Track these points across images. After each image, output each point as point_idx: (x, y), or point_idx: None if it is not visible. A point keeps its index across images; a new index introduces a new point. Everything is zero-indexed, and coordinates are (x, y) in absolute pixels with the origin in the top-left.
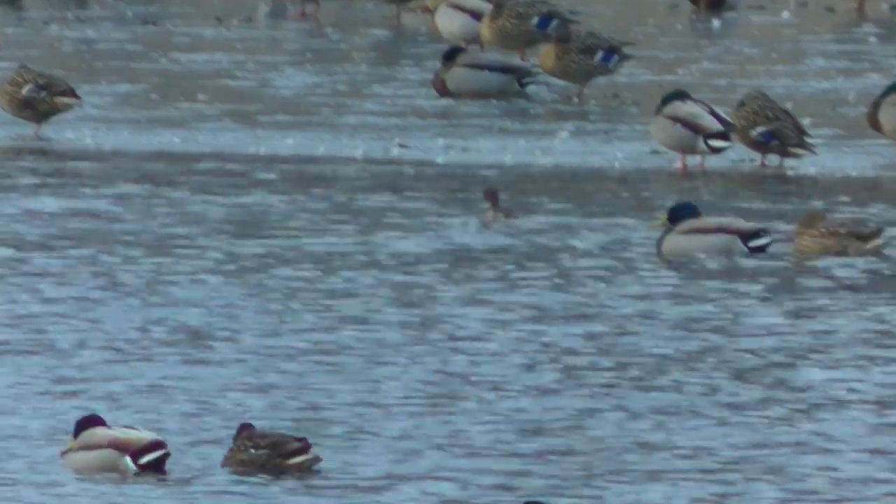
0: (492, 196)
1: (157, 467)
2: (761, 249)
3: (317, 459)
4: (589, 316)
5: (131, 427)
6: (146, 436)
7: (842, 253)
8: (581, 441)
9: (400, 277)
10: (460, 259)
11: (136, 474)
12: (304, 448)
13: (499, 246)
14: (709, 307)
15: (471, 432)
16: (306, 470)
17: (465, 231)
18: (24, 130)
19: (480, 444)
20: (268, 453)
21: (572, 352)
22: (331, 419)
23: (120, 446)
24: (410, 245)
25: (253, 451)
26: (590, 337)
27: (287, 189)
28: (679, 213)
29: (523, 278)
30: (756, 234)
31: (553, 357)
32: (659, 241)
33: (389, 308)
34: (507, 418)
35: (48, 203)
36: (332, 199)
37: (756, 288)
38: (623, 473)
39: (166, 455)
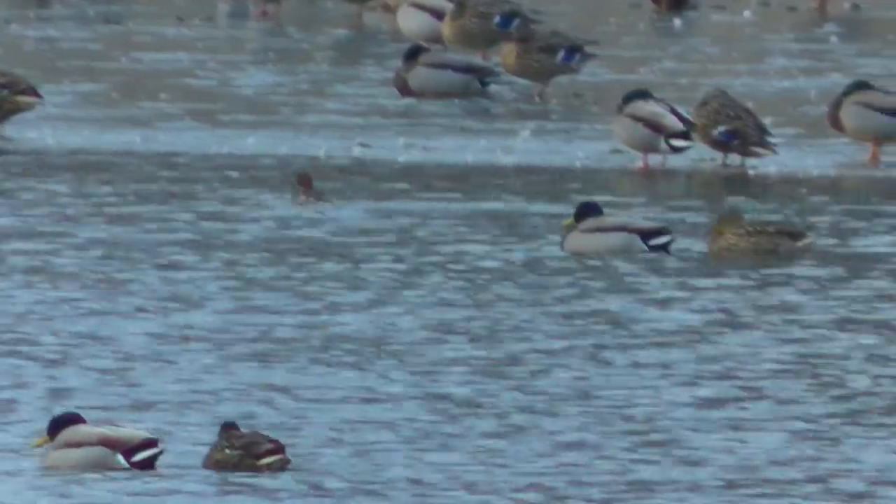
0: (304, 181)
1: (149, 465)
2: (662, 248)
3: (286, 461)
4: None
5: (113, 423)
6: (138, 433)
7: (773, 252)
8: None
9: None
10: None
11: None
12: (276, 449)
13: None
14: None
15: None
16: (277, 471)
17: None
18: None
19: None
20: (241, 454)
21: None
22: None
23: (111, 444)
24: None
25: (228, 451)
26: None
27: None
28: (583, 212)
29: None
30: (656, 232)
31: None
32: (563, 240)
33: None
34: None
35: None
36: None
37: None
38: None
39: (159, 453)
